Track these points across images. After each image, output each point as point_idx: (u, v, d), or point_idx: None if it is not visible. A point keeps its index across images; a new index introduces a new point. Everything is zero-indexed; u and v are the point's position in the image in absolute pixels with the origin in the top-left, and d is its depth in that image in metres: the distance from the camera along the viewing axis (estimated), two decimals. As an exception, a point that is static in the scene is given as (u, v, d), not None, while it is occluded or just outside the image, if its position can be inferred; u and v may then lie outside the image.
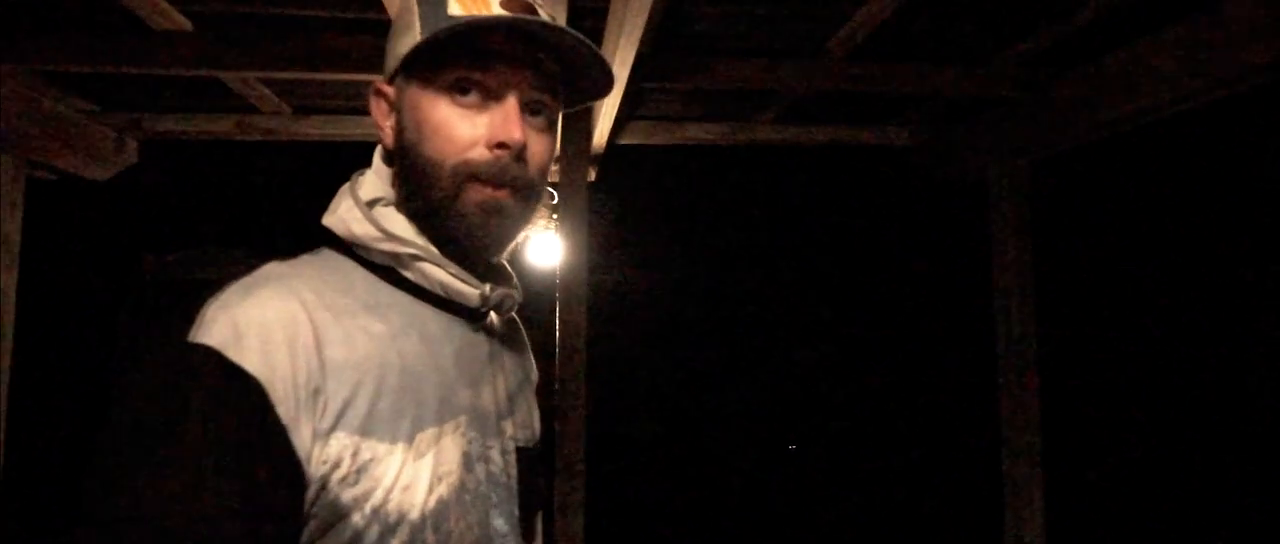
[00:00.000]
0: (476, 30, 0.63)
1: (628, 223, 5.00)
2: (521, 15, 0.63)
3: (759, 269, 5.45)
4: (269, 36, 2.11)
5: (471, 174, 0.65)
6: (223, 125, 2.86)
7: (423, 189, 0.66)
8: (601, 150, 2.99)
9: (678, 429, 5.31)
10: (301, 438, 0.56)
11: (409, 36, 0.65)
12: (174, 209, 4.29)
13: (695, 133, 3.11)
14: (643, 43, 1.85)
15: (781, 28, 2.20)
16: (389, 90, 0.70)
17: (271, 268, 0.64)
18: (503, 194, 0.66)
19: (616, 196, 4.53)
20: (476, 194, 0.65)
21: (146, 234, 4.16)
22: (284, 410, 0.56)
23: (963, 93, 2.53)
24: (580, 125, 2.73)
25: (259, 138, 2.93)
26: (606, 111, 2.53)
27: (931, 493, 4.75)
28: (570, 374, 2.61)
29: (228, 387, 0.55)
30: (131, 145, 2.91)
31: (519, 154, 0.65)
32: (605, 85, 0.72)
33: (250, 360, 0.55)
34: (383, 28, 1.98)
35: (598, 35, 1.96)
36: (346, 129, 2.94)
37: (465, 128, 0.65)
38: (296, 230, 0.73)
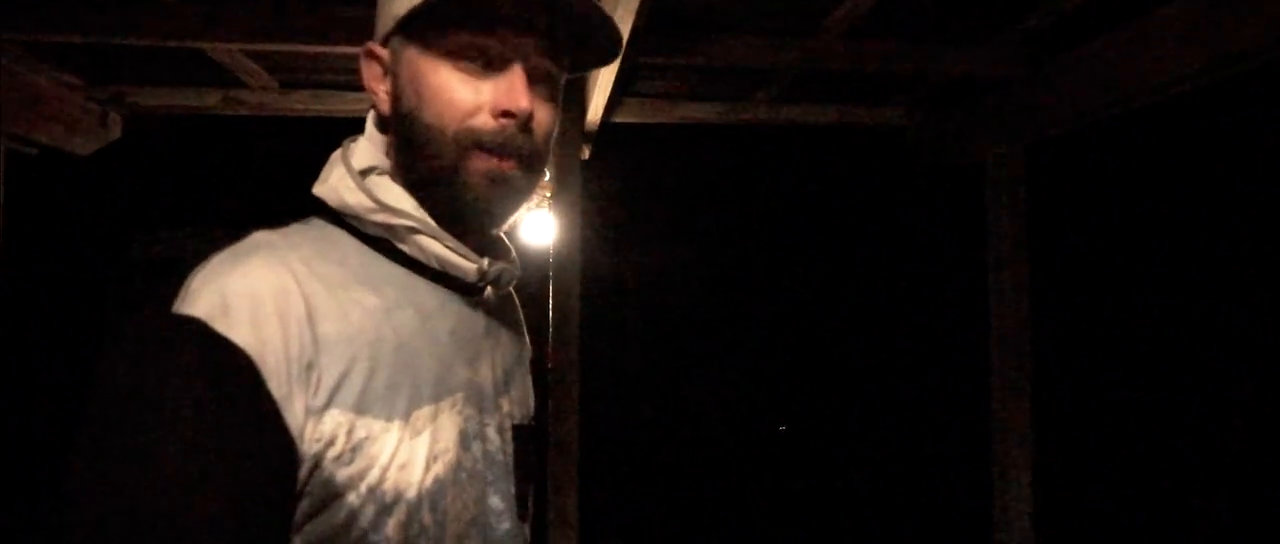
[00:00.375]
0: None
1: (621, 201, 4.98)
2: None
3: (753, 249, 5.44)
4: (257, 8, 2.06)
5: (475, 142, 0.62)
6: (209, 100, 2.81)
7: (423, 157, 0.63)
8: (595, 128, 2.96)
9: (671, 408, 5.33)
10: (294, 414, 0.54)
11: None
12: (159, 185, 4.23)
13: (690, 111, 3.07)
14: (638, 18, 1.81)
15: (779, 5, 2.17)
16: (383, 53, 0.66)
17: (260, 236, 0.61)
18: (508, 165, 0.63)
19: (610, 175, 4.50)
20: (481, 163, 0.62)
21: (132, 210, 4.11)
22: (275, 385, 0.53)
23: (959, 73, 2.51)
24: (574, 102, 2.69)
25: (246, 113, 2.87)
26: (601, 88, 2.49)
27: (922, 477, 4.79)
28: (564, 352, 2.60)
29: (216, 360, 0.52)
30: (115, 120, 2.85)
31: (525, 123, 0.63)
32: (612, 50, 0.69)
33: (240, 333, 0.53)
34: (372, -1, 1.93)
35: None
36: (336, 104, 2.89)
37: (468, 93, 0.62)
38: (285, 207, 0.70)
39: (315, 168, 0.69)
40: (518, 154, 0.63)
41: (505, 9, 0.62)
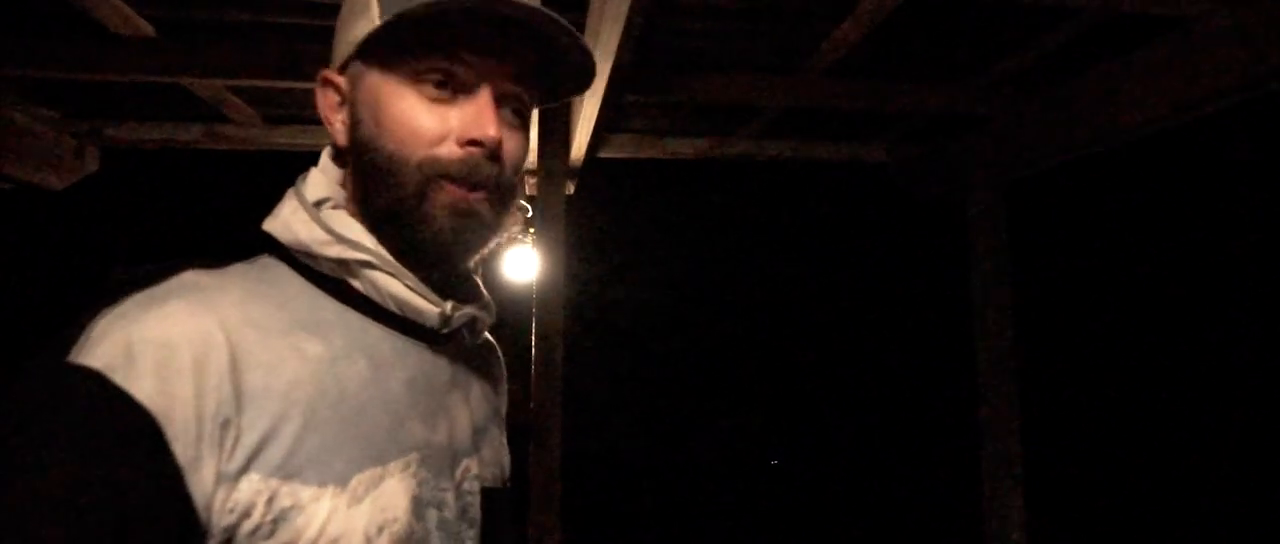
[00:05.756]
0: (446, 14, 0.55)
1: (607, 236, 4.97)
2: None
3: (739, 284, 5.45)
4: (238, 43, 2.05)
5: (440, 173, 0.57)
6: (192, 134, 2.78)
7: (383, 188, 0.58)
8: (580, 163, 2.96)
9: (656, 444, 5.26)
10: (201, 482, 0.48)
11: (365, 19, 0.58)
12: (137, 218, 4.17)
13: (675, 147, 3.09)
14: (623, 56, 1.83)
15: (762, 44, 2.20)
16: (340, 80, 0.61)
17: (188, 276, 0.54)
18: (476, 197, 0.59)
19: (596, 210, 4.50)
20: (446, 196, 0.58)
21: (111, 245, 4.04)
22: (180, 449, 0.47)
23: (940, 110, 2.55)
24: (558, 137, 2.70)
25: (228, 147, 2.85)
26: (585, 123, 2.50)
27: (911, 508, 4.74)
28: (547, 389, 2.55)
29: (109, 419, 0.46)
30: (92, 153, 2.81)
31: (493, 153, 0.58)
32: (585, 78, 0.64)
33: (142, 387, 0.47)
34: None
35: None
36: (321, 139, 2.88)
37: (433, 121, 0.58)
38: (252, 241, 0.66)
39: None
40: (486, 185, 0.59)
41: (470, 32, 0.58)
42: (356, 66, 0.60)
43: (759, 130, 2.96)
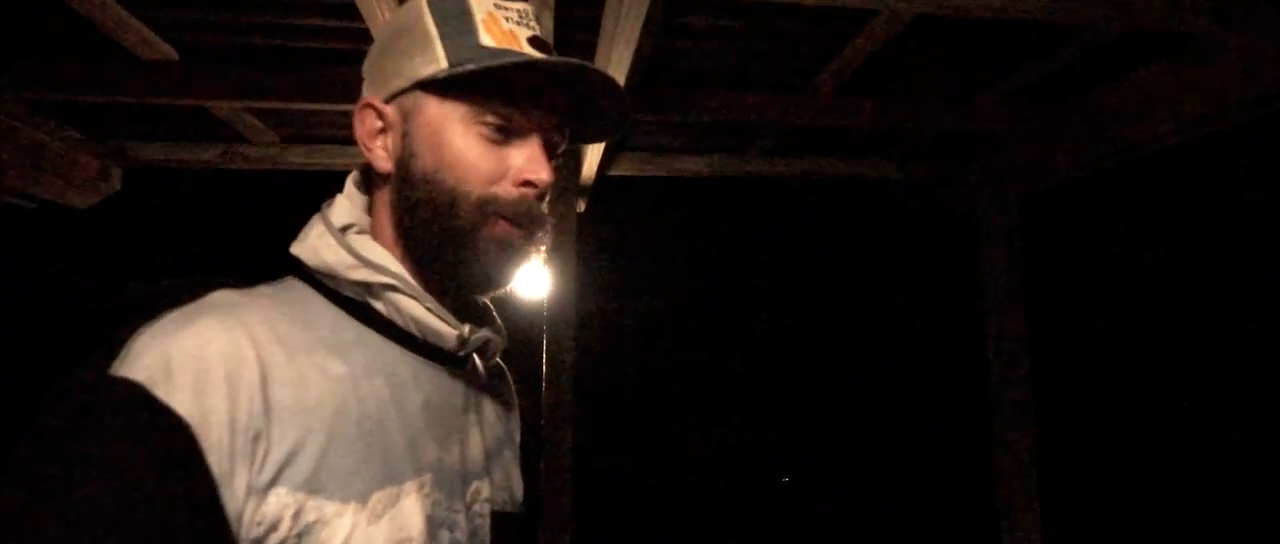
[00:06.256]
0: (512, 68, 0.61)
1: (617, 253, 5.00)
2: (562, 60, 0.61)
3: (748, 300, 5.44)
4: (257, 67, 2.10)
5: (496, 210, 0.62)
6: (209, 154, 2.84)
7: (438, 218, 0.61)
8: (591, 181, 2.99)
9: (667, 459, 5.24)
10: (234, 494, 0.50)
11: (427, 57, 0.61)
12: (159, 238, 4.24)
13: (685, 165, 3.12)
14: (634, 76, 1.85)
15: (772, 63, 2.22)
16: (386, 109, 0.64)
17: (220, 295, 0.57)
18: (520, 233, 0.63)
19: (606, 227, 4.52)
20: (499, 230, 0.62)
21: (131, 264, 4.10)
22: (216, 460, 0.49)
23: (949, 127, 2.56)
24: (570, 156, 2.73)
25: (245, 167, 2.90)
26: (596, 143, 2.53)
27: (925, 525, 4.69)
28: (558, 404, 2.56)
29: (151, 430, 0.47)
30: (115, 173, 2.87)
31: (542, 193, 0.64)
32: (617, 126, 0.70)
33: (180, 400, 0.49)
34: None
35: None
36: (335, 158, 2.93)
37: (492, 162, 0.62)
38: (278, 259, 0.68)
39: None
40: (529, 222, 0.63)
41: (529, 83, 0.62)
42: (411, 99, 0.63)
43: (769, 148, 2.98)
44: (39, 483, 0.46)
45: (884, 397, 5.13)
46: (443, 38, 0.61)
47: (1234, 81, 1.77)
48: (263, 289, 0.61)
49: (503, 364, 0.76)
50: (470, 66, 0.59)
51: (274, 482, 0.52)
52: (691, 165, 3.12)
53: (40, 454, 0.47)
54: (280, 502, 0.51)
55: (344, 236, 0.62)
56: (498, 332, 0.69)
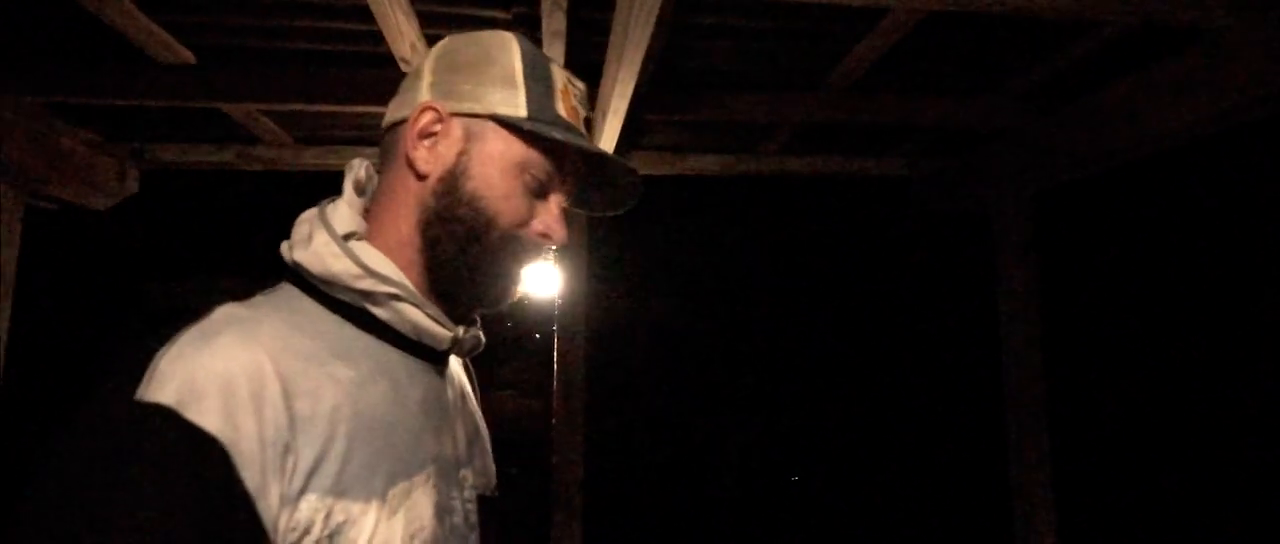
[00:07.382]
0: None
1: (627, 252, 5.00)
2: (606, 154, 0.71)
3: (759, 299, 5.43)
4: (273, 70, 2.13)
5: (515, 247, 0.69)
6: (225, 155, 2.87)
7: (464, 236, 0.67)
8: (602, 181, 2.99)
9: (677, 459, 5.24)
10: (269, 506, 0.51)
11: (509, 98, 0.67)
12: (175, 237, 4.29)
13: (697, 163, 3.12)
14: (645, 75, 1.86)
15: (783, 60, 2.22)
16: (454, 123, 0.67)
17: (229, 311, 0.58)
18: (524, 267, 0.72)
19: (616, 226, 4.53)
20: (514, 263, 0.70)
21: (148, 263, 4.16)
22: (250, 475, 0.51)
23: (963, 124, 2.55)
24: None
25: (260, 168, 2.94)
26: (606, 142, 2.54)
27: (937, 526, 4.66)
28: (568, 403, 2.57)
29: (186, 452, 0.49)
30: (133, 175, 2.92)
31: (554, 246, 0.72)
32: (624, 205, 0.80)
33: (211, 421, 0.50)
34: (383, 61, 2.00)
35: (597, 68, 1.97)
36: (347, 159, 2.95)
37: (525, 208, 0.69)
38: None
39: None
40: (534, 261, 0.72)
41: (575, 162, 0.72)
42: (480, 125, 0.68)
43: (781, 146, 2.97)
44: (81, 514, 0.46)
45: (898, 395, 5.10)
46: (528, 89, 0.67)
47: (1253, 76, 1.75)
48: (262, 300, 0.63)
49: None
50: (556, 134, 0.66)
51: (304, 490, 0.54)
52: (703, 164, 3.12)
53: (78, 484, 0.48)
54: (311, 507, 0.54)
55: (347, 245, 0.64)
56: (480, 331, 0.75)
